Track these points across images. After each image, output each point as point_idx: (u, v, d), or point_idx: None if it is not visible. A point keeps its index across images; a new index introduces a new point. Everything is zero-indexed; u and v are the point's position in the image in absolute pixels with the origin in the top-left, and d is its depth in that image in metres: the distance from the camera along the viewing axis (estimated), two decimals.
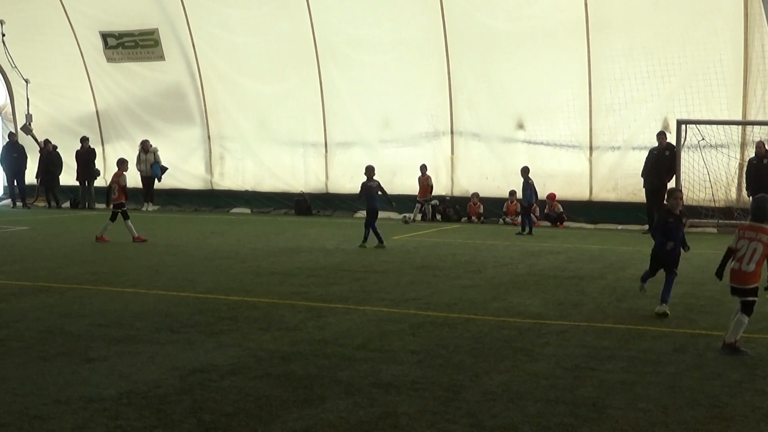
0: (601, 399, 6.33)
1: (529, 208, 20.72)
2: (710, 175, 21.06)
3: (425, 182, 23.16)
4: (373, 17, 23.97)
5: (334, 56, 24.61)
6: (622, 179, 22.29)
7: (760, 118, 20.77)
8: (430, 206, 23.43)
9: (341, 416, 5.83)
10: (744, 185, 20.48)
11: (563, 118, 22.63)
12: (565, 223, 22.69)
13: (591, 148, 22.50)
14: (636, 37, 21.49)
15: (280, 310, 9.68)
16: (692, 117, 20.87)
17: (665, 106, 21.58)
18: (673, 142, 20.71)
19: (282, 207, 25.87)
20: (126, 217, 17.17)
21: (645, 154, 21.16)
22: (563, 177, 22.91)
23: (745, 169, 20.44)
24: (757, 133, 20.94)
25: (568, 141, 22.72)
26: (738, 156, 21.07)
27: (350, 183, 25.23)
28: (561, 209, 22.74)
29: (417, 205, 23.13)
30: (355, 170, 25.13)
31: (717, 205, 21.19)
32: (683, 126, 20.66)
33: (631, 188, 21.99)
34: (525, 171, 20.73)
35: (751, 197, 19.99)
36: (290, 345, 7.95)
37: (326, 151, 25.45)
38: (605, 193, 22.68)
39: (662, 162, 20.63)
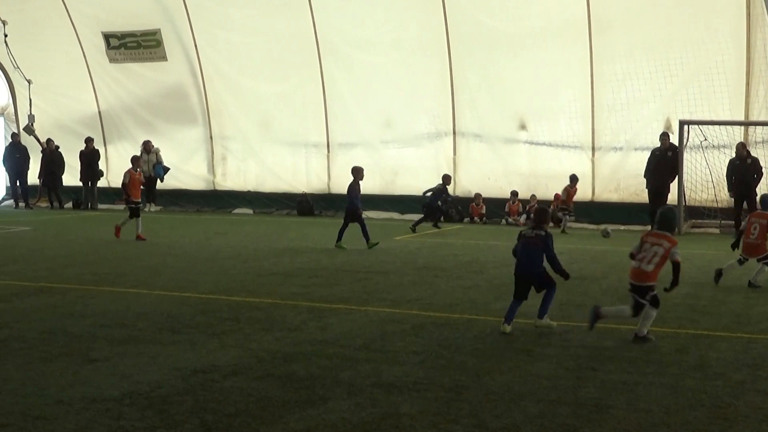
0: (603, 399, 6.32)
1: (431, 209, 20.98)
2: (712, 175, 21.07)
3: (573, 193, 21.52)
4: (375, 17, 23.97)
5: (336, 56, 24.61)
6: (625, 180, 22.29)
7: (762, 118, 20.77)
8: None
9: (343, 417, 5.83)
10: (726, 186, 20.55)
11: (565, 118, 22.63)
12: (567, 224, 22.65)
13: (593, 148, 22.50)
14: (638, 37, 21.48)
15: (282, 311, 9.68)
16: (694, 117, 20.87)
17: (667, 107, 21.58)
18: (676, 143, 20.72)
19: (284, 207, 25.88)
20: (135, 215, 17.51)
21: (647, 154, 21.18)
22: (565, 177, 22.87)
23: (725, 170, 20.52)
24: (759, 133, 20.95)
25: (570, 141, 22.72)
26: None
27: None
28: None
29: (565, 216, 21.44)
30: None
31: (719, 205, 21.18)
32: (685, 126, 20.67)
33: (634, 189, 22.00)
34: (446, 179, 21.04)
35: (733, 198, 20.06)
36: (292, 345, 7.95)
37: (328, 152, 25.46)
38: (607, 193, 22.68)
39: (665, 162, 20.64)
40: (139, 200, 17.90)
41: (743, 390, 6.67)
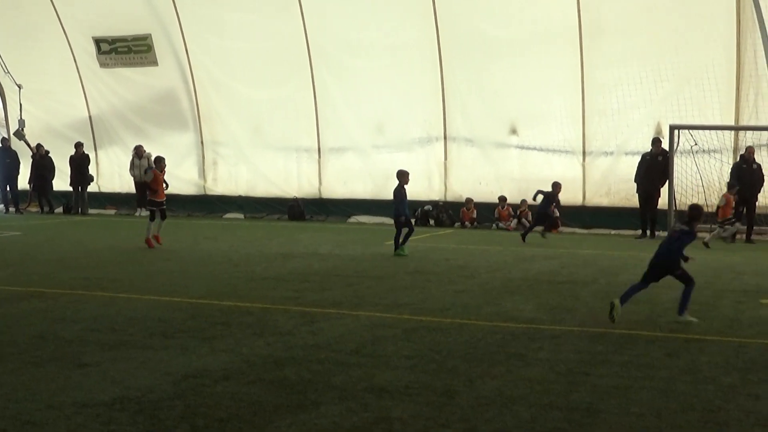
0: (594, 404, 6.33)
1: (541, 216, 20.25)
2: (703, 180, 21.13)
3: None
4: (367, 23, 23.97)
5: (328, 62, 24.61)
6: (615, 184, 22.32)
7: (752, 123, 20.84)
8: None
9: (335, 421, 5.83)
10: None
11: (556, 123, 22.65)
12: (559, 228, 22.70)
13: (584, 153, 22.53)
14: (629, 42, 21.52)
15: (274, 316, 9.67)
16: (685, 122, 20.92)
17: (658, 112, 21.63)
18: (666, 147, 20.79)
19: (275, 212, 25.84)
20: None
21: (638, 159, 21.21)
22: (559, 181, 22.91)
23: (729, 172, 20.56)
24: (749, 139, 21.01)
25: (561, 146, 22.74)
26: (731, 161, 21.12)
27: (343, 188, 25.26)
28: (557, 213, 22.70)
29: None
30: (348, 175, 25.21)
31: (710, 210, 21.22)
32: (676, 131, 20.73)
33: (624, 193, 22.04)
34: (556, 186, 19.76)
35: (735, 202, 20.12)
36: (283, 350, 7.94)
37: (319, 157, 25.45)
38: (598, 198, 22.70)
39: (655, 167, 20.69)
40: (163, 200, 17.70)
41: (734, 394, 6.69)
